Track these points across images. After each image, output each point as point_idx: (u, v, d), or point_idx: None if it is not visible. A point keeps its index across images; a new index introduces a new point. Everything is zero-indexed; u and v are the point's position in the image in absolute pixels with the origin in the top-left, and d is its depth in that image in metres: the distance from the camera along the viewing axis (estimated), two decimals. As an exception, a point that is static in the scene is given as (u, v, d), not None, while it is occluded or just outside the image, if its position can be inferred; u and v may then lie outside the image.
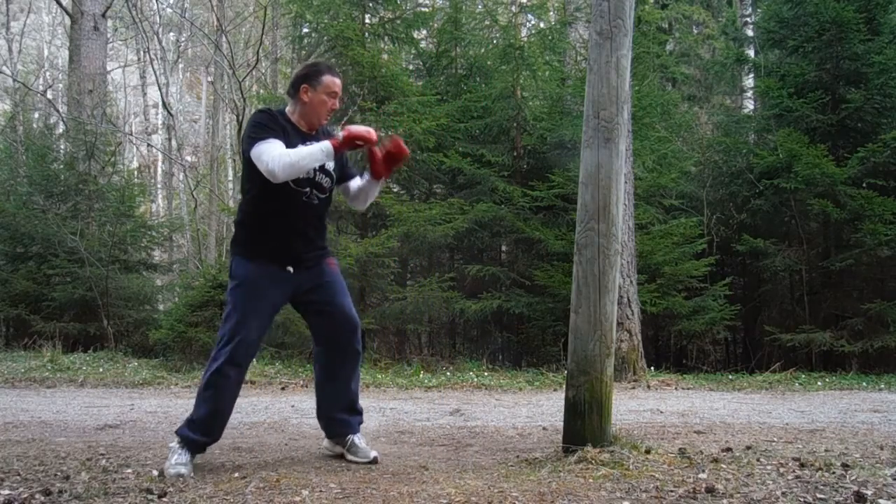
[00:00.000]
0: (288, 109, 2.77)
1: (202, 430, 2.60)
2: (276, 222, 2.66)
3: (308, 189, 2.68)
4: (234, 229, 2.81)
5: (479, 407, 4.72)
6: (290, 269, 2.69)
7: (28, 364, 6.89)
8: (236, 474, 2.49)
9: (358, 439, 2.82)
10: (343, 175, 2.88)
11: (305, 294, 2.76)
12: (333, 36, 7.92)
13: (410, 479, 2.45)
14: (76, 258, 8.70)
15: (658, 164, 7.89)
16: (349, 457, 2.79)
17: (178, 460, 2.52)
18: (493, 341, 8.47)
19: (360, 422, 2.90)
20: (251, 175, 2.63)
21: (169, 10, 18.54)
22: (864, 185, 7.54)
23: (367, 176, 2.84)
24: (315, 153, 2.56)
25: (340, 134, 2.63)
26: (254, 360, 6.99)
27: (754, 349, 8.42)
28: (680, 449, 2.78)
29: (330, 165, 2.73)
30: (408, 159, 2.87)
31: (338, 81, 2.78)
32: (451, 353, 7.74)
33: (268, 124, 2.60)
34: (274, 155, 2.50)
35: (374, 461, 2.73)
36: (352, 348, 2.80)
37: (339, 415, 2.86)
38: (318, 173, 2.69)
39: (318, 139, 2.66)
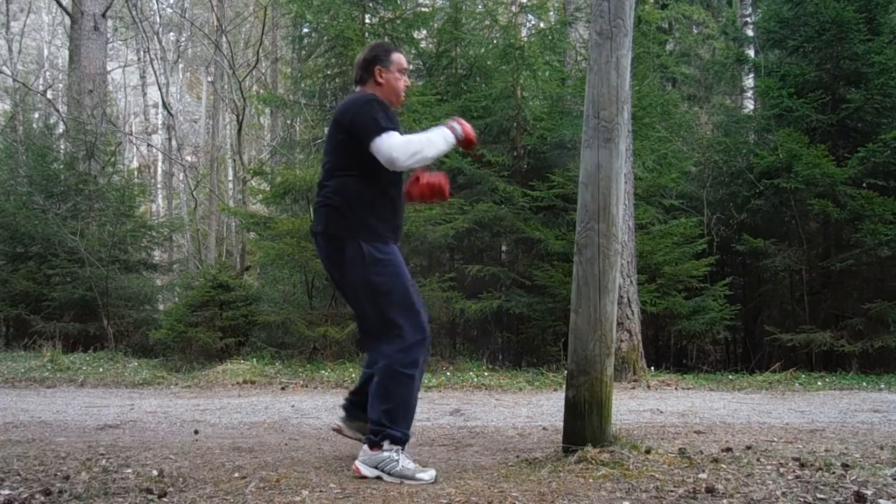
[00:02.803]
0: None
1: (407, 424, 2.55)
2: (390, 199, 2.64)
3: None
4: (334, 209, 2.60)
5: (479, 407, 4.72)
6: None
7: (28, 364, 6.89)
8: (236, 474, 2.49)
9: None
10: None
11: None
12: (333, 36, 7.92)
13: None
14: (76, 258, 8.70)
15: (658, 164, 7.89)
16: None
17: (410, 465, 2.47)
18: (493, 341, 8.47)
19: None
20: (359, 156, 2.56)
21: (169, 10, 18.55)
22: (864, 185, 7.53)
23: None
24: (439, 144, 2.57)
25: (456, 126, 2.63)
26: (251, 359, 6.99)
27: (754, 349, 8.41)
28: (680, 449, 2.78)
29: None
30: (443, 201, 2.84)
31: (404, 58, 2.76)
32: (451, 353, 7.74)
33: (385, 112, 2.56)
34: (395, 144, 2.48)
35: None
36: None
37: None
38: None
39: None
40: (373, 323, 2.58)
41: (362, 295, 2.57)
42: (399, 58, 2.73)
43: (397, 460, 2.46)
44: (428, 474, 2.46)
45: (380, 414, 2.50)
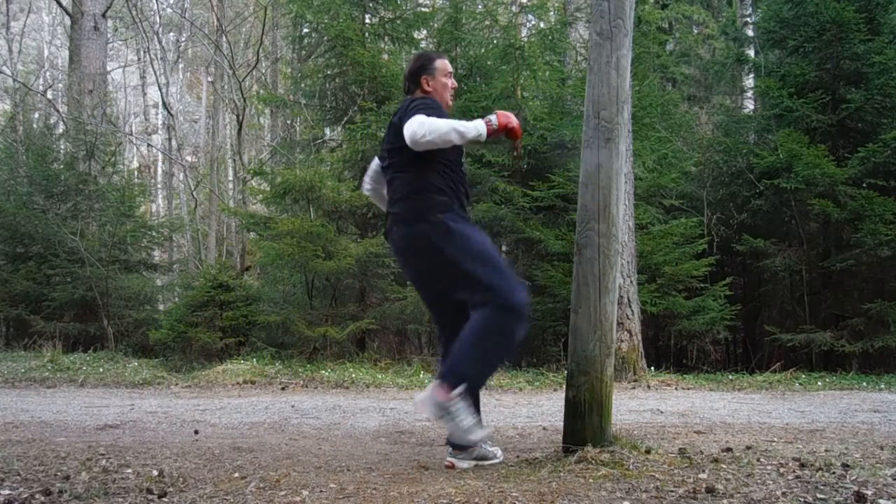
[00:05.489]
0: None
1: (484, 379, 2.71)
2: (456, 185, 2.76)
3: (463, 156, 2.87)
4: (415, 195, 2.69)
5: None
6: None
7: (28, 364, 6.89)
8: (236, 474, 2.49)
9: None
10: None
11: None
12: (333, 36, 7.92)
13: (410, 479, 2.45)
14: (76, 258, 8.71)
15: (658, 164, 7.89)
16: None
17: (472, 422, 2.51)
18: (494, 341, 8.45)
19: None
20: (410, 153, 2.64)
21: (169, 10, 18.55)
22: (864, 185, 7.53)
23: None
24: (469, 130, 2.58)
25: (493, 118, 2.66)
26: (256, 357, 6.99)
27: (754, 349, 8.42)
28: (680, 449, 2.78)
29: None
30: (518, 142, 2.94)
31: (447, 62, 2.87)
32: (452, 353, 7.73)
33: (428, 107, 2.63)
34: (417, 124, 2.52)
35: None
36: None
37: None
38: None
39: None
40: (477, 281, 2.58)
41: (464, 258, 2.59)
42: (442, 63, 2.84)
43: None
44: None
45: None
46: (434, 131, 2.50)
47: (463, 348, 2.54)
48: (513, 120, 2.69)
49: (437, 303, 2.86)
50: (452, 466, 2.61)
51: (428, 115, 2.56)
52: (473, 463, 2.64)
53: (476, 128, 2.59)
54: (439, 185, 2.69)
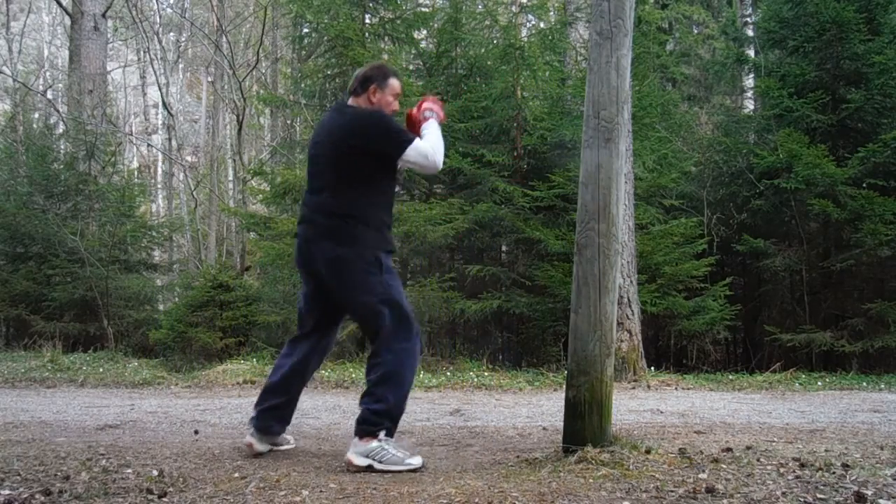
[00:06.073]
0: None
1: (399, 414, 2.68)
2: (386, 211, 2.78)
3: (400, 176, 2.89)
4: (334, 224, 2.68)
5: (479, 407, 4.72)
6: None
7: (28, 364, 6.89)
8: (236, 474, 2.49)
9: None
10: None
11: None
12: (333, 36, 7.92)
13: (410, 479, 2.45)
14: (76, 258, 8.71)
15: (658, 164, 7.89)
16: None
17: (399, 452, 2.61)
18: (494, 341, 8.47)
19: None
20: (362, 170, 2.69)
21: (169, 10, 18.55)
22: (864, 185, 7.53)
23: None
24: (439, 133, 2.80)
25: (425, 110, 2.85)
26: (251, 358, 7.00)
27: (754, 349, 8.42)
28: (680, 449, 2.78)
29: None
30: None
31: (400, 85, 2.91)
32: (451, 353, 7.74)
33: (398, 125, 2.74)
34: (428, 150, 2.68)
35: None
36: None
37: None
38: None
39: None
40: (371, 321, 2.70)
41: (358, 297, 2.70)
42: (395, 83, 2.85)
43: (387, 449, 2.58)
44: (416, 459, 2.60)
45: (387, 405, 2.61)
46: (438, 151, 2.71)
47: (373, 390, 2.65)
48: (440, 109, 2.91)
49: (322, 307, 2.86)
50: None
51: (407, 136, 2.69)
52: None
53: (439, 128, 2.81)
54: (377, 214, 2.73)
